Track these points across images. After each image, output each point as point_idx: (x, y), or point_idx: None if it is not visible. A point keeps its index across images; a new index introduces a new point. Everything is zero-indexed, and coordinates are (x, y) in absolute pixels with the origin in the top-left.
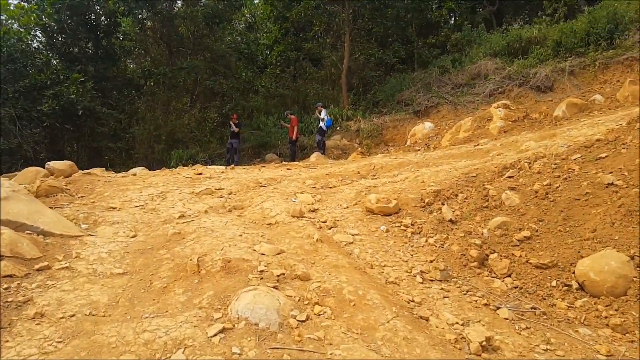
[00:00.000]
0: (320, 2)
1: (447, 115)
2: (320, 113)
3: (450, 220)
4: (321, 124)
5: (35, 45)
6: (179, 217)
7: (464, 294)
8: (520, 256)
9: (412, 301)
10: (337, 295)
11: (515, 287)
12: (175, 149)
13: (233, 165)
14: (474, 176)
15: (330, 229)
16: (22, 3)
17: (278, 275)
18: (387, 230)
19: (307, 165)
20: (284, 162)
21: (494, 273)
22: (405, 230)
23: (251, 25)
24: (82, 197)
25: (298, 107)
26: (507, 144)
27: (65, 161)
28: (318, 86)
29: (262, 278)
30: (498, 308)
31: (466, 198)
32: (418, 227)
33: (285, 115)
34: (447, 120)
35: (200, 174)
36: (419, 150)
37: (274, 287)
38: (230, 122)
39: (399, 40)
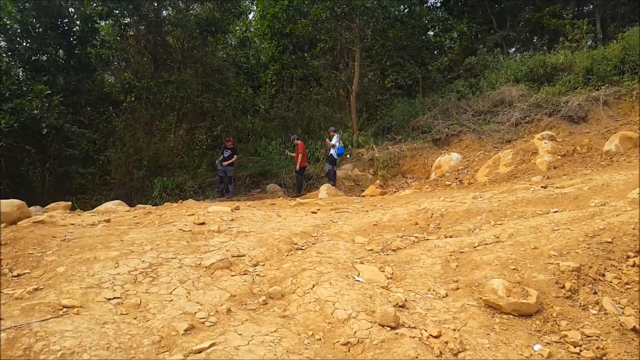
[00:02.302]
0: (329, 16)
1: (471, 145)
2: (331, 139)
3: (634, 330)
4: (332, 151)
5: None
6: (186, 330)
7: None
8: None
9: None
10: None
11: None
12: (158, 176)
13: (234, 201)
14: (609, 242)
15: (456, 354)
16: None
17: None
18: (549, 355)
19: (335, 207)
20: (299, 200)
21: None
22: (577, 354)
23: (243, 41)
24: (18, 276)
25: (301, 132)
26: (598, 189)
27: (12, 200)
28: (325, 109)
29: None
30: None
31: (626, 284)
32: (597, 348)
33: (291, 141)
34: (472, 150)
35: (203, 223)
36: (449, 184)
37: None
38: (228, 162)
39: (413, 61)
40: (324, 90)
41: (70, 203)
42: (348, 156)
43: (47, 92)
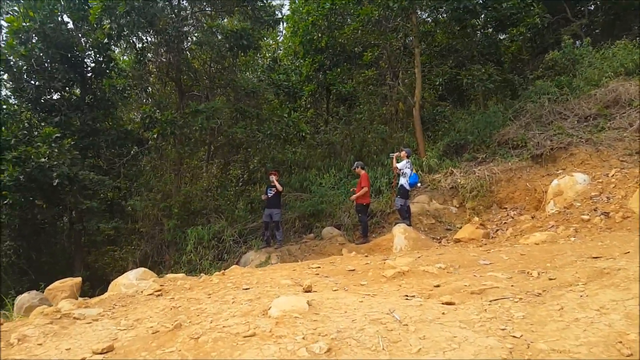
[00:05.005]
0: (383, 14)
1: (588, 160)
2: (398, 162)
3: None
4: (402, 180)
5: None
6: None
7: None
8: None
9: None
10: None
11: None
12: (192, 225)
13: (283, 251)
14: None
15: None
16: None
17: None
18: None
19: (470, 284)
20: (392, 265)
21: None
22: None
23: (274, 62)
24: None
25: (354, 159)
26: None
27: None
28: (383, 127)
29: None
30: None
31: None
32: None
33: (353, 170)
34: (591, 167)
35: None
36: (588, 219)
37: None
38: (274, 182)
39: (493, 60)
40: (376, 107)
41: (80, 280)
42: (419, 185)
43: (57, 135)
